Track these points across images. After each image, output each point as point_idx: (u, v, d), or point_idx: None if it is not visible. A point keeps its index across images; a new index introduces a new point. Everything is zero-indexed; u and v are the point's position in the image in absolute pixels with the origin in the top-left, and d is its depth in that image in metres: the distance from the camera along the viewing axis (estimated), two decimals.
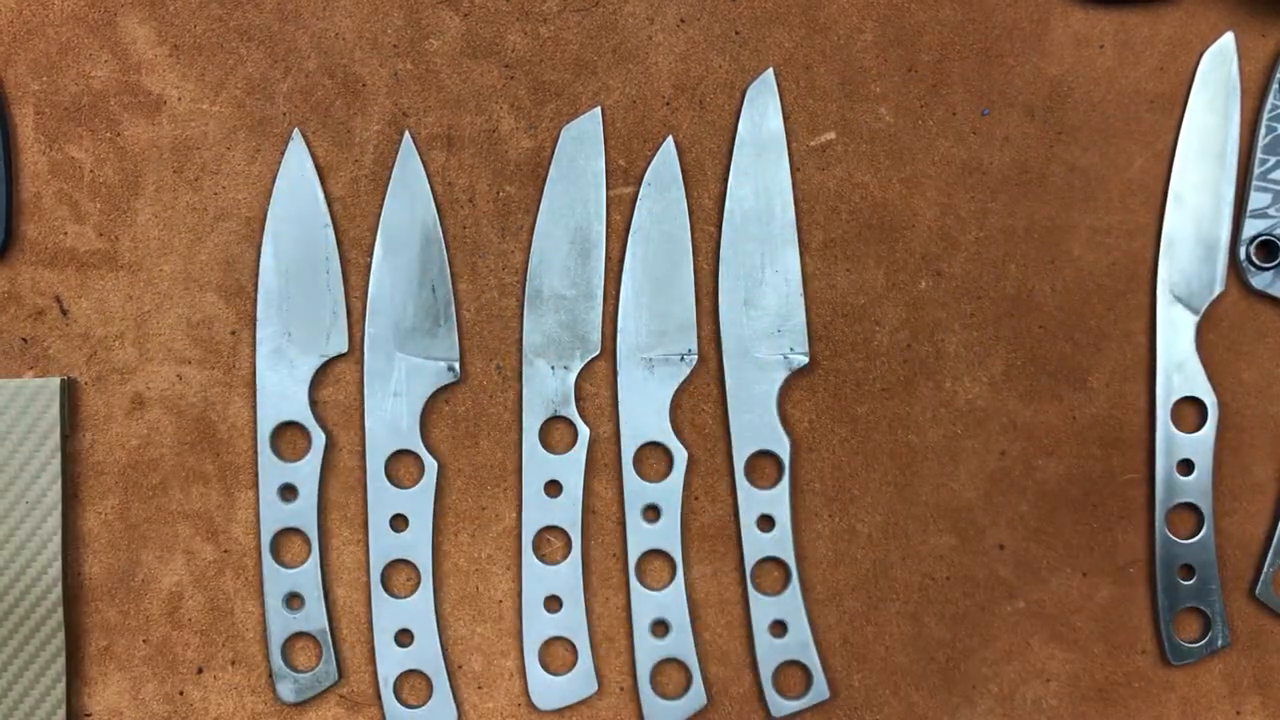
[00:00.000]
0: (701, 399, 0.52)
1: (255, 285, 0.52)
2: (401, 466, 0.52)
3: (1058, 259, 0.52)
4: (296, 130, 0.51)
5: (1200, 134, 0.52)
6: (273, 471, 0.51)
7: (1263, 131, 0.51)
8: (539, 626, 0.51)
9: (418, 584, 0.52)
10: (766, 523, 0.51)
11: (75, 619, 0.52)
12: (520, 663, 0.52)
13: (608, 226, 0.52)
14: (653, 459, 0.52)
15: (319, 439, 0.51)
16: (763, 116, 0.52)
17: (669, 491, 0.51)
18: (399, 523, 0.51)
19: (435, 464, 0.51)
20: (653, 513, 0.51)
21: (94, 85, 0.52)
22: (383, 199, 0.52)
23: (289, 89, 0.52)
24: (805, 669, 0.51)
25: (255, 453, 0.52)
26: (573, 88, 0.52)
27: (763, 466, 0.52)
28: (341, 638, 0.52)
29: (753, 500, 0.51)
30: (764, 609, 0.51)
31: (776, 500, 0.51)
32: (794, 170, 0.52)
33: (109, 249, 0.52)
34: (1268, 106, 0.51)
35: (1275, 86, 0.51)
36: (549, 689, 0.52)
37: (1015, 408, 0.52)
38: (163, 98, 0.52)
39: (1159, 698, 0.52)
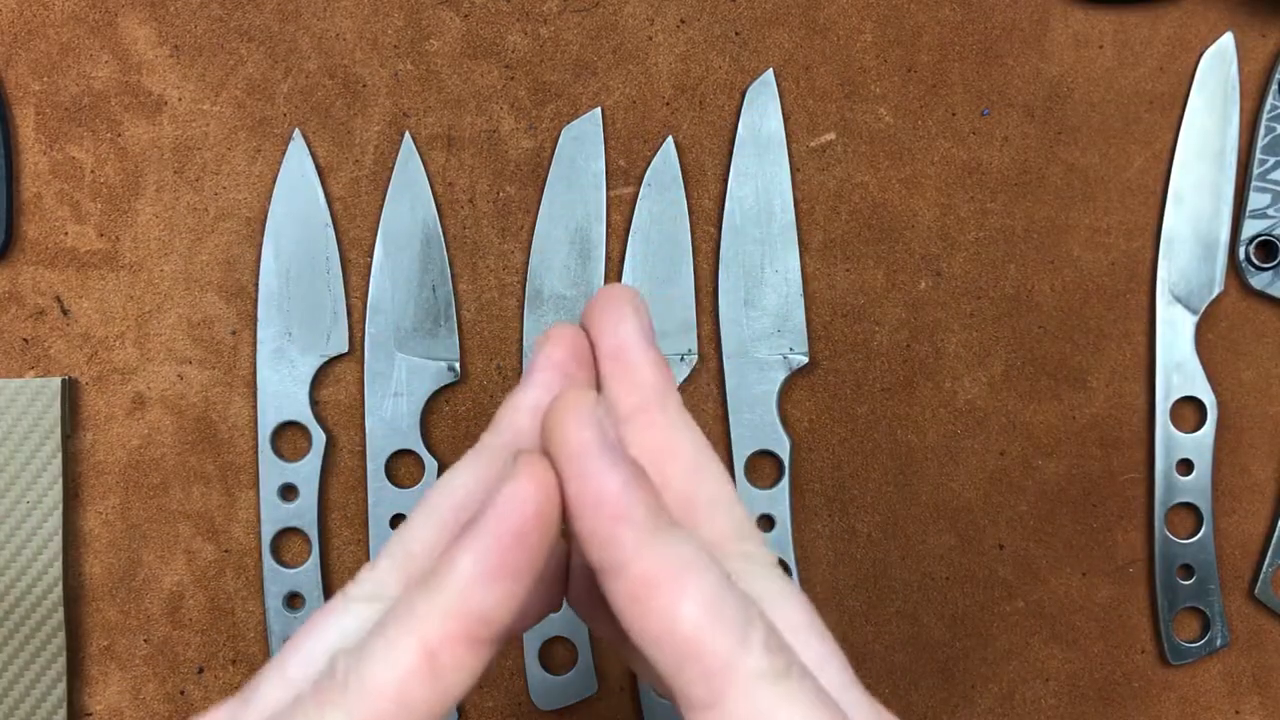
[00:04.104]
0: (701, 399, 0.52)
1: (256, 285, 0.52)
2: (402, 466, 0.52)
3: (1057, 259, 0.52)
4: (297, 131, 0.52)
5: (1200, 134, 0.52)
6: (273, 471, 0.51)
7: (1262, 131, 0.51)
8: (539, 626, 0.51)
9: None
10: (766, 522, 0.51)
11: (76, 619, 0.52)
12: (520, 662, 0.52)
13: (608, 227, 0.52)
14: None
15: (319, 439, 0.51)
16: (762, 117, 0.52)
17: None
18: (399, 522, 0.51)
19: (436, 464, 0.51)
20: None
21: (95, 86, 0.52)
22: (383, 199, 0.52)
23: (289, 89, 0.52)
24: None
25: (256, 453, 0.52)
26: (573, 88, 0.52)
27: (763, 466, 0.52)
28: None
29: (753, 500, 0.51)
30: None
31: (776, 500, 0.51)
32: (794, 170, 0.52)
33: (110, 249, 0.52)
34: (1267, 107, 0.51)
35: (1275, 87, 0.51)
36: (549, 689, 0.52)
37: (1015, 408, 0.52)
38: (163, 98, 0.52)
39: (1158, 697, 0.52)
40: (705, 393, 0.52)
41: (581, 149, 0.52)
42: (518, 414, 0.28)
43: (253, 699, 0.25)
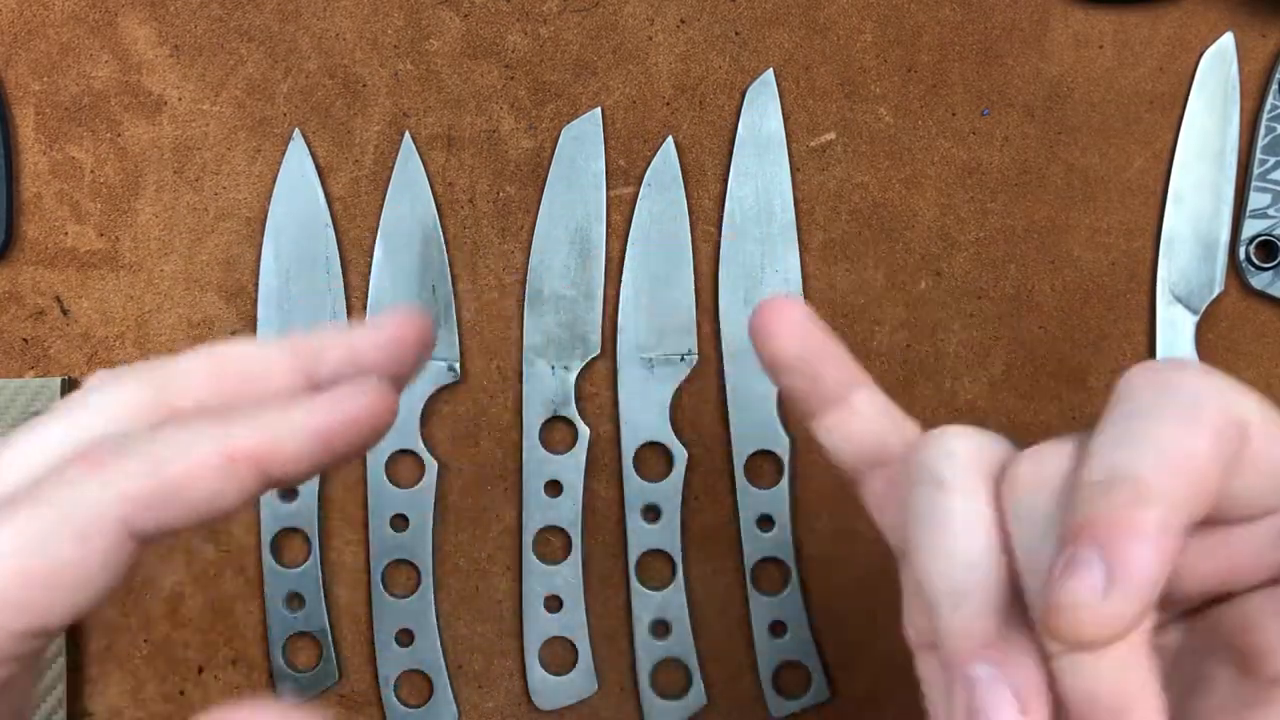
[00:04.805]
0: (701, 399, 0.52)
1: (256, 285, 0.52)
2: (402, 466, 0.52)
3: (1058, 259, 0.52)
4: (297, 130, 0.52)
5: (1200, 134, 0.52)
6: None
7: (1262, 131, 0.51)
8: (539, 626, 0.51)
9: (418, 584, 0.52)
10: (766, 523, 0.51)
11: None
12: (520, 662, 0.52)
13: (608, 227, 0.52)
14: (653, 459, 0.52)
15: None
16: (763, 117, 0.52)
17: (669, 491, 0.51)
18: (399, 522, 0.51)
19: (435, 464, 0.51)
20: (653, 513, 0.51)
21: (94, 85, 0.52)
22: (383, 199, 0.52)
23: (289, 89, 0.52)
24: (805, 669, 0.52)
25: None
26: (573, 88, 0.52)
27: (763, 466, 0.52)
28: (342, 637, 0.52)
29: (752, 500, 0.51)
30: (764, 609, 0.51)
31: (776, 500, 0.51)
32: (794, 170, 0.52)
33: (110, 249, 0.52)
34: (1267, 107, 0.51)
35: (1275, 87, 0.51)
36: (549, 688, 0.52)
37: (1015, 407, 0.52)
38: (163, 98, 0.52)
39: None
40: (705, 393, 0.52)
41: (581, 149, 0.52)
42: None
43: None
